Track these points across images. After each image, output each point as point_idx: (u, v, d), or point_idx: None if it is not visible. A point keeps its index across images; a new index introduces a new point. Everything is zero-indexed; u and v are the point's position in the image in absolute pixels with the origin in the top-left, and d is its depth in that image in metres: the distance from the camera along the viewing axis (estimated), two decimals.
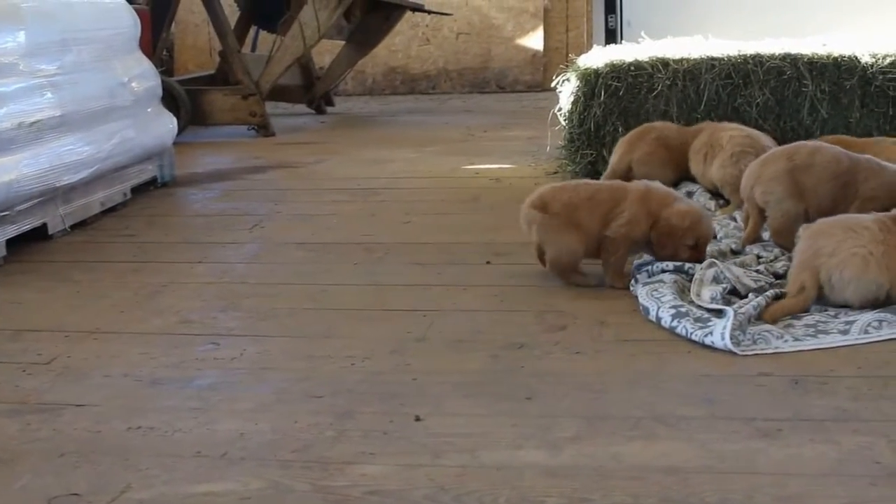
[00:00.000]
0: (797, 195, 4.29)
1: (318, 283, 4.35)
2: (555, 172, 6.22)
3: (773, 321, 3.58)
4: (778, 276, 4.06)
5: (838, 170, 4.30)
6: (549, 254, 4.19)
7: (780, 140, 5.48)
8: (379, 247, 4.85)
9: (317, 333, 3.75)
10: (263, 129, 8.40)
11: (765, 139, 5.28)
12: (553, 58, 10.38)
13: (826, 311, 3.67)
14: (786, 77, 5.86)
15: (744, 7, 9.97)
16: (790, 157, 4.36)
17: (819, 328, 3.51)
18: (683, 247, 4.04)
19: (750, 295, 3.77)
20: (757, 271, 4.07)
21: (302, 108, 9.77)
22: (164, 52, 10.39)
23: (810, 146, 4.46)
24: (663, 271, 4.04)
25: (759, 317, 3.60)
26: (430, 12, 9.77)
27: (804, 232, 3.80)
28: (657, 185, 4.24)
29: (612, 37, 10.64)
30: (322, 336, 3.72)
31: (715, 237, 4.56)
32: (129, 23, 6.13)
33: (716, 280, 3.86)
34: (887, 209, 3.88)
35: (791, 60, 5.90)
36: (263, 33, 9.91)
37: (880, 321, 3.52)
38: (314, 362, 3.46)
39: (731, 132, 5.31)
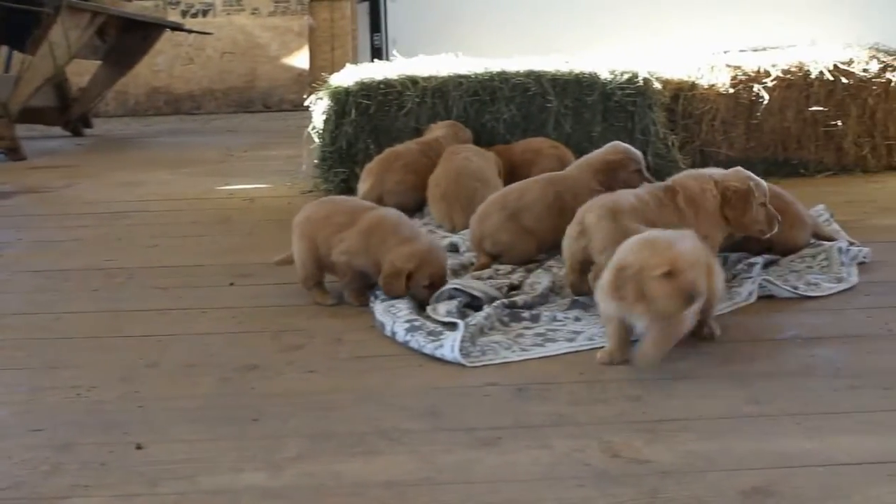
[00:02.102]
0: (523, 234, 4.44)
1: (53, 311, 4.19)
2: (310, 191, 6.21)
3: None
4: (513, 287, 4.16)
5: (549, 202, 4.46)
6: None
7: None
8: (121, 272, 4.72)
9: (44, 364, 3.61)
10: (13, 153, 8.05)
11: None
12: (319, 76, 10.37)
13: (555, 319, 3.79)
14: (531, 93, 6.04)
15: (498, 26, 10.26)
16: (503, 205, 4.49)
17: (548, 337, 3.62)
18: (419, 288, 3.94)
19: (484, 307, 3.85)
20: (490, 279, 4.17)
21: (59, 130, 9.43)
22: None
23: (517, 190, 4.60)
24: None
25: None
26: (189, 31, 9.62)
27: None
28: (392, 218, 4.14)
29: (377, 55, 10.76)
30: (49, 366, 3.58)
31: (457, 250, 4.66)
32: None
33: (451, 297, 3.92)
34: None
35: (535, 77, 6.08)
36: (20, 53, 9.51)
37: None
38: (38, 394, 3.34)
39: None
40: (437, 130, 5.77)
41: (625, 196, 3.94)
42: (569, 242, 3.92)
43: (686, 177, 4.12)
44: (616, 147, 4.65)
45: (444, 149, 5.55)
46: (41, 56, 8.19)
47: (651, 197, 3.97)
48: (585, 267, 3.88)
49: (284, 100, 10.76)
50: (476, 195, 4.95)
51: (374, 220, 4.09)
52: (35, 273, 4.79)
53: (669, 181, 4.11)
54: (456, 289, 3.94)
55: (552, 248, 4.48)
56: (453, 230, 5.08)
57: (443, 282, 3.98)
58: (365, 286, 4.12)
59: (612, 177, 4.45)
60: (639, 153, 4.65)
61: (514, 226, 4.44)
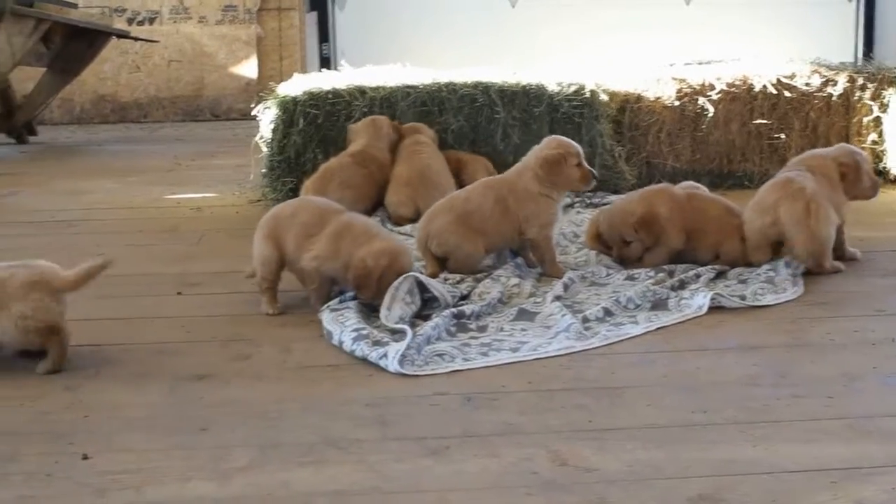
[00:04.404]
0: (471, 236, 4.44)
1: None
2: (258, 201, 6.18)
3: None
4: (463, 297, 4.17)
5: (490, 205, 4.47)
6: None
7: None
8: None
9: None
10: None
11: None
12: (267, 86, 10.34)
13: (501, 330, 3.81)
14: (478, 104, 6.06)
15: (446, 37, 10.30)
16: (451, 208, 4.51)
17: (492, 346, 3.64)
18: (386, 286, 3.94)
19: (433, 316, 3.86)
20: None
21: (3, 137, 9.30)
22: None
23: (463, 194, 4.63)
24: (354, 298, 4.08)
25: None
26: (135, 39, 9.54)
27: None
28: (359, 220, 4.19)
29: (326, 65, 10.74)
30: None
31: None
32: None
33: (410, 293, 3.93)
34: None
35: (483, 88, 6.11)
36: None
37: (550, 340, 3.69)
38: None
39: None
40: (361, 134, 5.75)
41: (808, 179, 4.46)
42: (759, 226, 4.46)
43: (809, 157, 4.75)
44: (551, 142, 4.58)
45: (379, 157, 5.59)
46: None
47: (815, 176, 4.51)
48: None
49: (232, 109, 10.69)
50: (439, 189, 5.21)
51: (344, 224, 4.09)
52: None
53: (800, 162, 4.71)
54: (416, 287, 3.97)
55: (498, 249, 4.56)
56: (417, 215, 5.13)
57: None
58: (330, 293, 4.11)
59: (554, 173, 4.45)
60: (577, 145, 4.60)
61: (461, 228, 4.44)
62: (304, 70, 9.49)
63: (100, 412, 3.21)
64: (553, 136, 4.76)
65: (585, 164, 4.56)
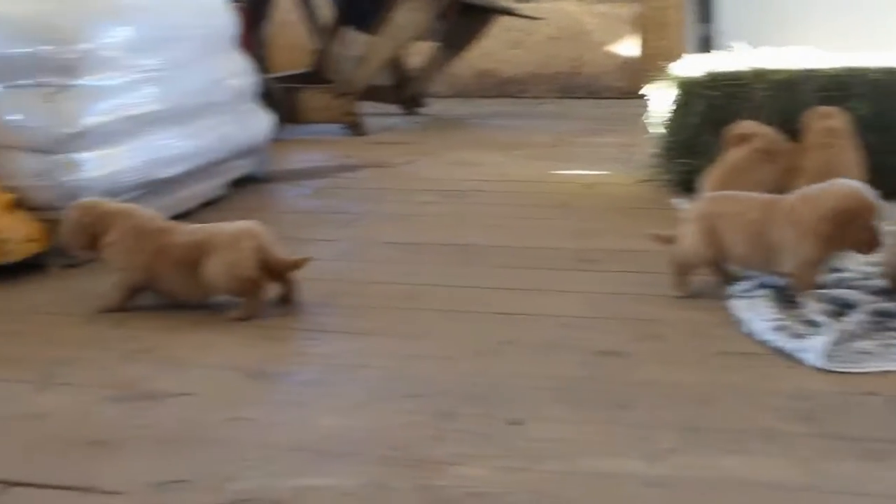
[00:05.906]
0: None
1: (410, 282, 4.36)
2: (647, 181, 6.16)
3: None
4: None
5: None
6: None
7: None
8: (469, 249, 4.84)
9: (409, 333, 3.76)
10: (356, 128, 8.43)
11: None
12: (645, 65, 10.29)
13: None
14: (889, 91, 5.73)
15: (844, 19, 9.80)
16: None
17: None
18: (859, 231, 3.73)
19: (853, 313, 3.69)
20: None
21: (393, 108, 9.79)
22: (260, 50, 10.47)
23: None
24: (762, 286, 3.98)
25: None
26: (520, 16, 9.74)
27: None
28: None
29: (705, 45, 10.55)
30: (415, 335, 3.73)
31: None
32: (227, 20, 6.20)
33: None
34: None
35: (894, 74, 5.77)
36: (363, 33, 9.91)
37: None
38: (408, 361, 3.48)
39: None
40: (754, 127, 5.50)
41: None
42: None
43: None
44: None
45: (785, 146, 5.38)
46: (385, 36, 8.52)
47: None
48: None
49: (610, 87, 10.72)
50: None
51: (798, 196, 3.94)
52: (389, 244, 4.99)
53: None
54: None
55: None
56: None
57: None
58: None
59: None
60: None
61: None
62: (683, 50, 9.34)
63: (517, 379, 3.29)
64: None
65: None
